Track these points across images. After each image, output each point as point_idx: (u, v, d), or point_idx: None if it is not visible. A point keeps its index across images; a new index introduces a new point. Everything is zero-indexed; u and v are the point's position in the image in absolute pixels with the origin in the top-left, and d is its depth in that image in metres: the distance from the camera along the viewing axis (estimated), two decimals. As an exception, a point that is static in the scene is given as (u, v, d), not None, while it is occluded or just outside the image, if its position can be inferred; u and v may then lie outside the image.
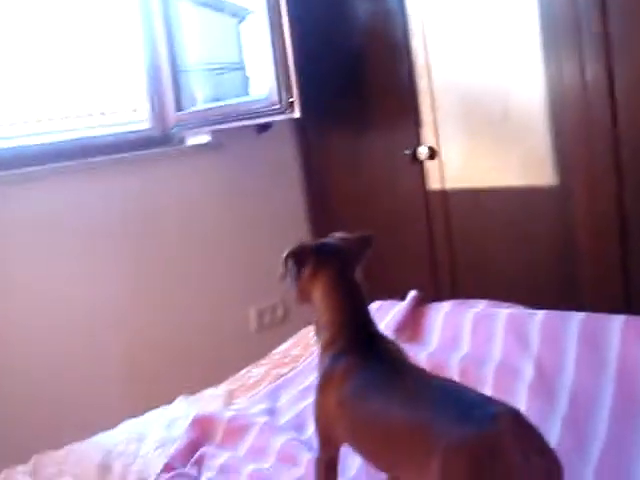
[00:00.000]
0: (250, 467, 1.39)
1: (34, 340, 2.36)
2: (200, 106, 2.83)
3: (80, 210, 2.51)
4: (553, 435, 1.24)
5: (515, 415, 0.92)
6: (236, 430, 1.51)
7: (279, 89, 2.39)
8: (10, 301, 2.33)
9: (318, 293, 1.21)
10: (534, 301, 2.22)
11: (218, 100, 2.86)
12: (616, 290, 2.11)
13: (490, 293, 2.30)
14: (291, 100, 2.39)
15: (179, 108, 2.81)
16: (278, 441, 1.45)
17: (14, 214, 2.35)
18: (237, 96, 2.79)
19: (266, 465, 1.39)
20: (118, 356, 2.53)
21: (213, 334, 2.73)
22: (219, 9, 3.06)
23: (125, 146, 2.74)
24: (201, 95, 2.94)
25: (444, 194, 2.51)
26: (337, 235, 1.30)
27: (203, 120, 2.74)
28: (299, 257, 1.25)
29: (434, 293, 2.52)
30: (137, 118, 2.91)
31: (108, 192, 2.59)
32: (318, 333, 1.21)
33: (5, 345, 2.31)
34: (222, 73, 3.06)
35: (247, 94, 2.87)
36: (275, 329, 2.89)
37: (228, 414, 1.58)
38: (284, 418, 1.59)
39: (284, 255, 1.25)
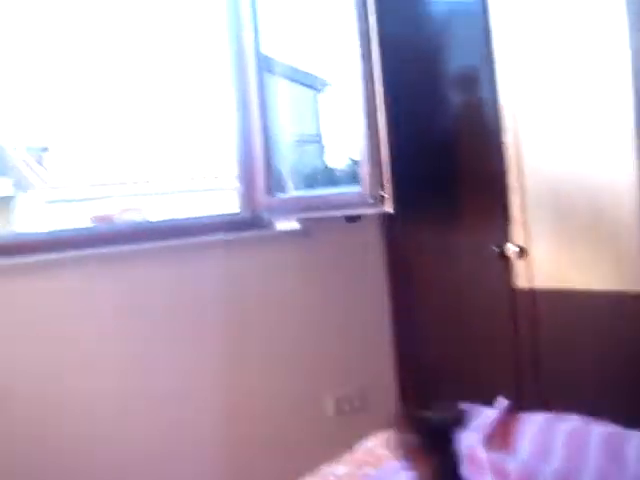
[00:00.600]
0: None
1: (124, 424, 2.41)
2: (291, 194, 2.91)
3: (164, 291, 2.59)
4: None
5: None
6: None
7: (372, 185, 2.44)
8: (94, 380, 2.40)
9: (425, 472, 1.17)
10: (623, 412, 2.17)
11: (309, 187, 2.96)
12: None
13: (576, 400, 2.26)
14: (383, 195, 2.43)
15: (269, 193, 2.89)
16: None
17: (99, 293, 2.44)
18: (314, 166, 2.85)
19: None
20: (192, 441, 2.55)
21: (290, 420, 2.75)
22: (297, 80, 3.15)
23: (215, 228, 2.83)
24: (287, 168, 3.01)
25: (532, 293, 2.50)
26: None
27: (293, 207, 2.83)
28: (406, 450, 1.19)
29: (515, 394, 2.49)
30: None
31: (195, 273, 2.66)
32: None
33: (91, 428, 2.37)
34: (302, 145, 3.14)
35: (323, 164, 2.95)
36: (353, 416, 2.89)
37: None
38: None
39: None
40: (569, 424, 1.64)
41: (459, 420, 1.22)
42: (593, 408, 2.13)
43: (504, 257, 2.54)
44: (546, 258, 2.46)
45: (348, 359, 2.91)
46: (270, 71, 2.92)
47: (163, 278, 2.60)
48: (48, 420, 2.32)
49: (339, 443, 2.06)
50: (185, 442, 2.54)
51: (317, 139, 3.13)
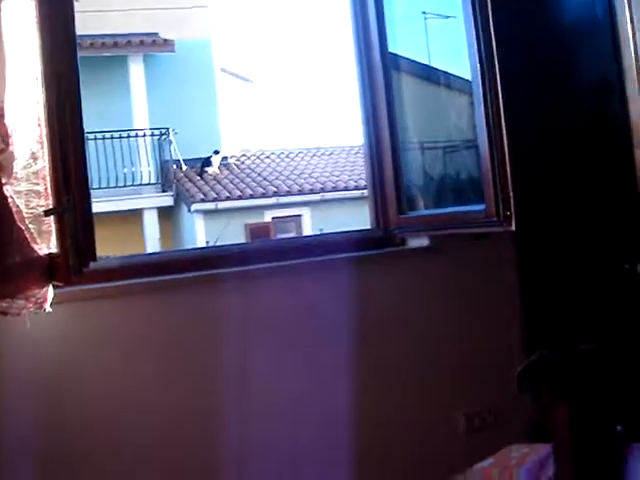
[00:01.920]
0: None
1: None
2: (420, 212, 2.94)
3: (296, 307, 2.68)
4: None
5: None
6: None
7: (497, 203, 2.43)
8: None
9: (558, 423, 1.04)
10: None
11: (438, 202, 2.98)
12: None
13: None
14: (508, 214, 2.42)
15: (400, 211, 2.94)
16: None
17: (229, 309, 2.56)
18: (469, 174, 2.83)
19: None
20: (319, 459, 2.62)
21: (419, 437, 2.77)
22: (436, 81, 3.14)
23: (348, 246, 2.91)
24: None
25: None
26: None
27: (423, 224, 2.87)
28: (533, 381, 1.06)
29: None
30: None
31: (329, 289, 2.74)
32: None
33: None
34: (453, 151, 3.13)
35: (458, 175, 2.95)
36: (484, 433, 2.88)
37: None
38: None
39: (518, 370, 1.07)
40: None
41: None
42: None
43: (636, 275, 2.45)
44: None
45: (479, 375, 2.89)
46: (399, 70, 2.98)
47: (295, 294, 2.70)
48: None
49: (470, 459, 2.07)
50: (312, 459, 2.61)
51: (472, 144, 3.06)
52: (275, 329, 2.63)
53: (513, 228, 2.43)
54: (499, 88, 2.38)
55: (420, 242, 2.93)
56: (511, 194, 2.40)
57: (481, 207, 2.53)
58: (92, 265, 2.19)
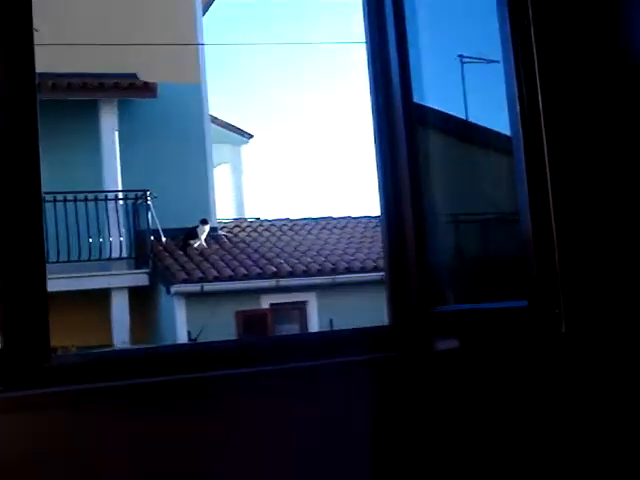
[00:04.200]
0: None
1: None
2: (450, 307, 2.98)
3: (300, 421, 2.69)
4: None
5: None
6: None
7: (542, 297, 2.47)
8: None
9: None
10: None
11: (472, 295, 3.02)
12: None
13: None
14: (557, 312, 2.46)
15: (424, 303, 2.95)
16: None
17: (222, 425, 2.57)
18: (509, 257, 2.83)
19: None
20: None
21: None
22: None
23: (362, 346, 2.92)
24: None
25: None
26: None
27: (452, 323, 2.89)
28: None
29: None
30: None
31: (332, 400, 2.75)
32: None
33: None
34: (492, 226, 3.17)
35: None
36: None
37: None
38: None
39: None
40: None
41: None
42: None
43: None
44: None
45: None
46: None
47: (298, 405, 2.71)
48: None
49: None
50: None
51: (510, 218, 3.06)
52: (274, 448, 2.64)
53: (563, 330, 2.46)
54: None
55: (449, 344, 2.95)
56: (559, 287, 2.44)
57: (523, 304, 2.57)
58: (46, 363, 2.21)
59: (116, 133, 13.88)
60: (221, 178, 16.47)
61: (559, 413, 2.97)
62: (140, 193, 13.42)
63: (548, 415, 2.97)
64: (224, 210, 15.70)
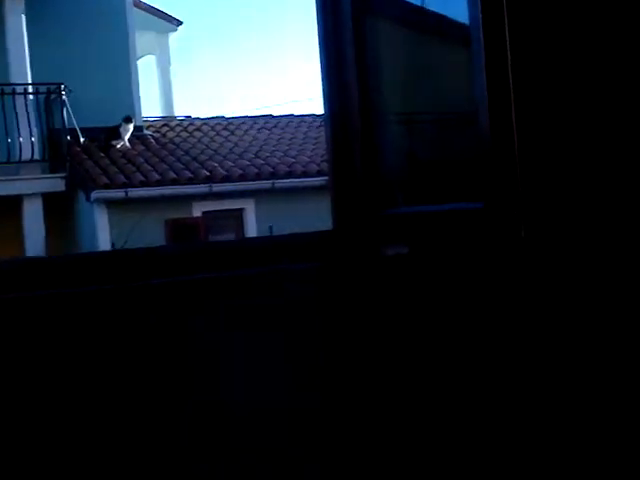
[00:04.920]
0: None
1: None
2: (398, 210, 2.99)
3: (236, 332, 2.71)
4: None
5: None
6: None
7: (500, 200, 2.48)
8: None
9: None
10: None
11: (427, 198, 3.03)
12: None
13: None
14: (515, 214, 2.47)
15: (373, 209, 2.96)
16: None
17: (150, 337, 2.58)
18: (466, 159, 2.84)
19: None
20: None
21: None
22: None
23: (300, 253, 2.93)
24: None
25: None
26: None
27: (401, 227, 2.91)
28: None
29: None
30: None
31: (271, 310, 2.77)
32: None
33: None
34: (448, 127, 3.16)
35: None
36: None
37: None
38: None
39: None
40: None
41: None
42: None
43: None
44: None
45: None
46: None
47: (234, 315, 2.72)
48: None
49: None
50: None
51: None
52: (215, 357, 2.66)
53: (522, 234, 2.48)
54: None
55: (397, 249, 2.97)
56: (519, 187, 2.45)
57: (478, 205, 2.58)
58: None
59: (23, 17, 13.54)
60: (146, 71, 16.16)
61: (515, 323, 3.03)
62: (53, 87, 13.15)
63: (503, 325, 3.02)
64: (150, 107, 15.48)
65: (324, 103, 3.00)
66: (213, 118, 15.63)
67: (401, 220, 2.95)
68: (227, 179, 12.85)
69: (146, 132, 14.15)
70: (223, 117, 15.75)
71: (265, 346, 2.71)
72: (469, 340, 2.84)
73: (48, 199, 12.93)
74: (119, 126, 13.13)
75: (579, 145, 2.72)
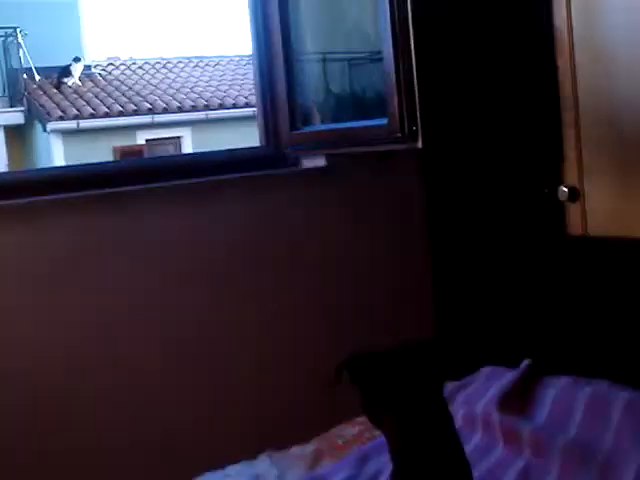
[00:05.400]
0: None
1: (110, 364, 2.60)
2: (316, 127, 3.00)
3: (182, 229, 2.73)
4: None
5: None
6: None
7: (401, 115, 2.52)
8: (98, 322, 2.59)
9: (389, 435, 1.12)
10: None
11: (337, 119, 3.05)
12: None
13: (628, 362, 2.35)
14: (414, 129, 2.51)
15: (293, 126, 2.99)
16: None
17: (101, 236, 2.60)
18: (375, 90, 2.88)
19: None
20: (202, 395, 2.72)
21: (315, 378, 2.88)
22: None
23: (235, 166, 2.95)
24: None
25: (586, 243, 2.57)
26: (425, 343, 1.18)
27: (318, 142, 2.93)
28: (363, 384, 1.14)
29: (566, 355, 2.59)
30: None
31: (213, 212, 2.80)
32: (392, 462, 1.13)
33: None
34: (359, 63, 3.19)
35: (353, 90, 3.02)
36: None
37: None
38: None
39: (343, 366, 1.14)
40: (591, 389, 1.74)
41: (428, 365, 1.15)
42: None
43: (555, 200, 2.61)
44: (603, 202, 2.53)
45: (379, 309, 3.02)
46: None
47: (174, 219, 2.74)
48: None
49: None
50: (195, 387, 2.71)
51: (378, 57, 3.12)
52: (154, 257, 2.68)
53: (419, 145, 2.53)
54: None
55: (316, 162, 3.00)
56: (417, 107, 2.49)
57: (383, 122, 2.62)
58: None
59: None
60: (91, 14, 15.71)
61: (410, 229, 3.11)
62: (10, 30, 12.79)
63: (401, 231, 3.09)
64: (97, 49, 15.09)
65: (252, 45, 3.04)
66: (153, 58, 15.37)
67: (317, 136, 2.97)
68: (166, 111, 12.77)
69: (94, 71, 13.85)
70: (162, 58, 15.51)
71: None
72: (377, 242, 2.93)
73: (9, 130, 12.73)
74: (70, 65, 12.89)
75: (467, 75, 2.78)
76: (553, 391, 1.79)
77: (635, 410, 1.62)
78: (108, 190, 2.65)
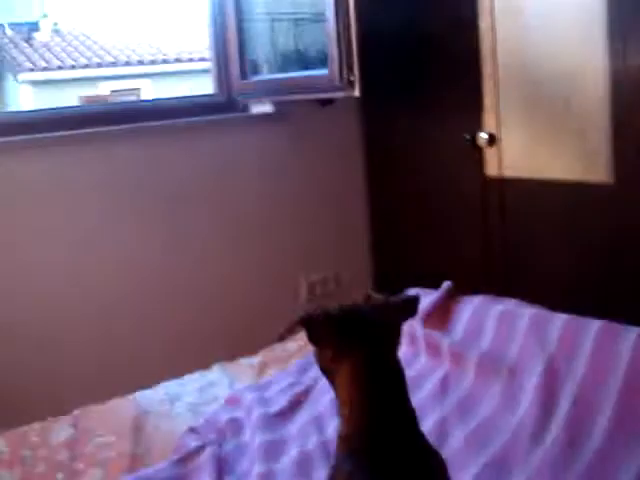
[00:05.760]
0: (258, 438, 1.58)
1: (78, 297, 2.59)
2: (264, 76, 2.98)
3: (134, 175, 2.70)
4: (551, 429, 1.41)
5: None
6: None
7: (340, 67, 2.51)
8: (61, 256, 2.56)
9: (340, 381, 1.04)
10: (581, 295, 2.32)
11: (283, 70, 3.02)
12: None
13: (540, 285, 2.41)
14: (352, 79, 2.50)
15: (243, 75, 2.95)
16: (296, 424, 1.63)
17: (69, 174, 2.56)
18: (318, 46, 2.86)
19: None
20: (163, 318, 2.73)
21: (263, 303, 2.90)
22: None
23: (188, 111, 2.91)
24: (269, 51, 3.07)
25: (501, 183, 2.60)
26: (374, 299, 1.11)
27: (267, 89, 2.91)
28: (317, 334, 1.05)
29: (485, 278, 2.65)
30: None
31: (168, 155, 2.77)
32: (339, 417, 1.06)
33: (48, 301, 2.54)
34: (303, 24, 3.15)
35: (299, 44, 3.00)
36: (327, 300, 3.05)
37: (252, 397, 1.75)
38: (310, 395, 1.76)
39: (296, 320, 1.05)
40: (501, 307, 1.78)
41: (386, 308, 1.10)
42: (557, 286, 2.28)
43: (476, 145, 2.63)
44: (516, 147, 2.56)
45: (323, 243, 3.05)
46: None
47: (136, 159, 2.71)
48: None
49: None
50: (146, 312, 2.72)
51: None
52: (112, 192, 2.65)
53: (357, 94, 2.52)
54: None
55: (264, 108, 2.98)
56: (355, 59, 2.48)
57: (324, 71, 2.60)
58: None
59: None
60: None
61: (349, 168, 3.12)
62: (-18, -13, 12.31)
63: (342, 170, 3.10)
64: (64, 6, 14.61)
65: (208, 6, 2.99)
66: (116, 15, 14.97)
67: (265, 84, 2.94)
68: (128, 63, 12.55)
69: (60, 27, 13.45)
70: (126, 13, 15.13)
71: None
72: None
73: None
74: (38, 21, 12.53)
75: (400, 33, 2.78)
76: (469, 309, 1.83)
77: (538, 324, 1.66)
78: (76, 132, 2.61)
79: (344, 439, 1.02)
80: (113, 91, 12.46)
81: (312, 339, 1.06)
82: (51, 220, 2.54)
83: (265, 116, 2.96)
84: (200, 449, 1.56)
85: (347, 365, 1.03)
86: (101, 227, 2.62)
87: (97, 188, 2.62)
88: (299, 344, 2.03)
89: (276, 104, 2.94)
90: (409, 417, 1.04)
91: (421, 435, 1.04)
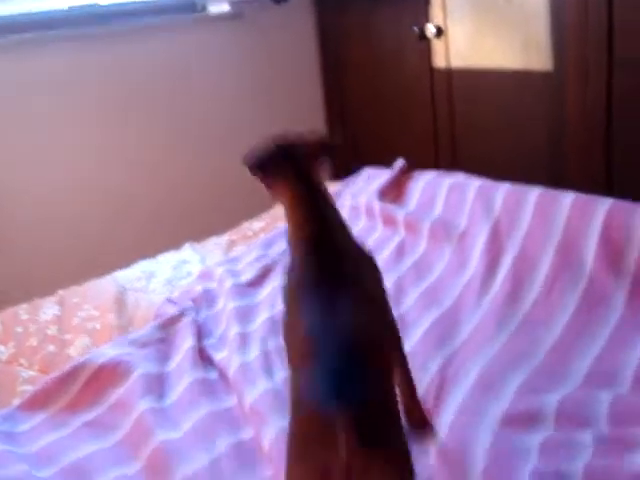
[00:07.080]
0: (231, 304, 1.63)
1: (57, 191, 2.58)
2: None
3: (96, 76, 2.64)
4: (496, 284, 1.47)
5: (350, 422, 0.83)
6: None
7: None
8: (38, 158, 2.53)
9: (282, 203, 1.17)
10: (525, 175, 2.39)
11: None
12: (598, 168, 2.28)
13: (486, 167, 2.47)
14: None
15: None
16: (266, 291, 1.69)
17: (31, 77, 2.49)
18: None
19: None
20: (133, 203, 2.74)
21: (224, 185, 2.91)
22: None
23: (146, 12, 2.84)
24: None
25: (449, 72, 2.62)
26: (294, 134, 1.21)
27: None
28: (260, 167, 1.17)
29: (434, 163, 2.70)
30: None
31: (128, 55, 2.70)
32: (288, 228, 1.17)
33: (31, 196, 2.53)
34: None
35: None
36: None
37: (222, 272, 1.79)
38: (277, 266, 1.81)
39: (244, 163, 1.16)
40: (451, 180, 1.84)
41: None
42: (501, 168, 2.35)
43: (424, 37, 2.63)
44: (462, 38, 2.57)
45: (281, 130, 3.03)
46: None
47: (96, 62, 2.64)
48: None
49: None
50: (118, 198, 2.72)
51: None
52: (66, 99, 2.59)
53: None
54: None
55: (221, 8, 2.92)
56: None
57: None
58: None
59: None
60: None
61: (305, 62, 3.08)
62: None
63: (298, 64, 3.07)
64: None
65: None
66: None
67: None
68: None
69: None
70: None
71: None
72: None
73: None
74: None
75: None
76: (421, 183, 1.88)
77: (484, 193, 1.72)
78: (39, 33, 2.53)
79: (294, 245, 1.12)
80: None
81: (255, 174, 1.17)
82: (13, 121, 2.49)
83: (223, 15, 2.91)
84: (179, 316, 1.61)
85: (282, 187, 1.14)
86: (64, 129, 2.58)
87: (54, 92, 2.54)
88: (264, 223, 2.07)
89: (232, 4, 2.88)
90: (343, 224, 1.15)
91: (354, 237, 1.15)
